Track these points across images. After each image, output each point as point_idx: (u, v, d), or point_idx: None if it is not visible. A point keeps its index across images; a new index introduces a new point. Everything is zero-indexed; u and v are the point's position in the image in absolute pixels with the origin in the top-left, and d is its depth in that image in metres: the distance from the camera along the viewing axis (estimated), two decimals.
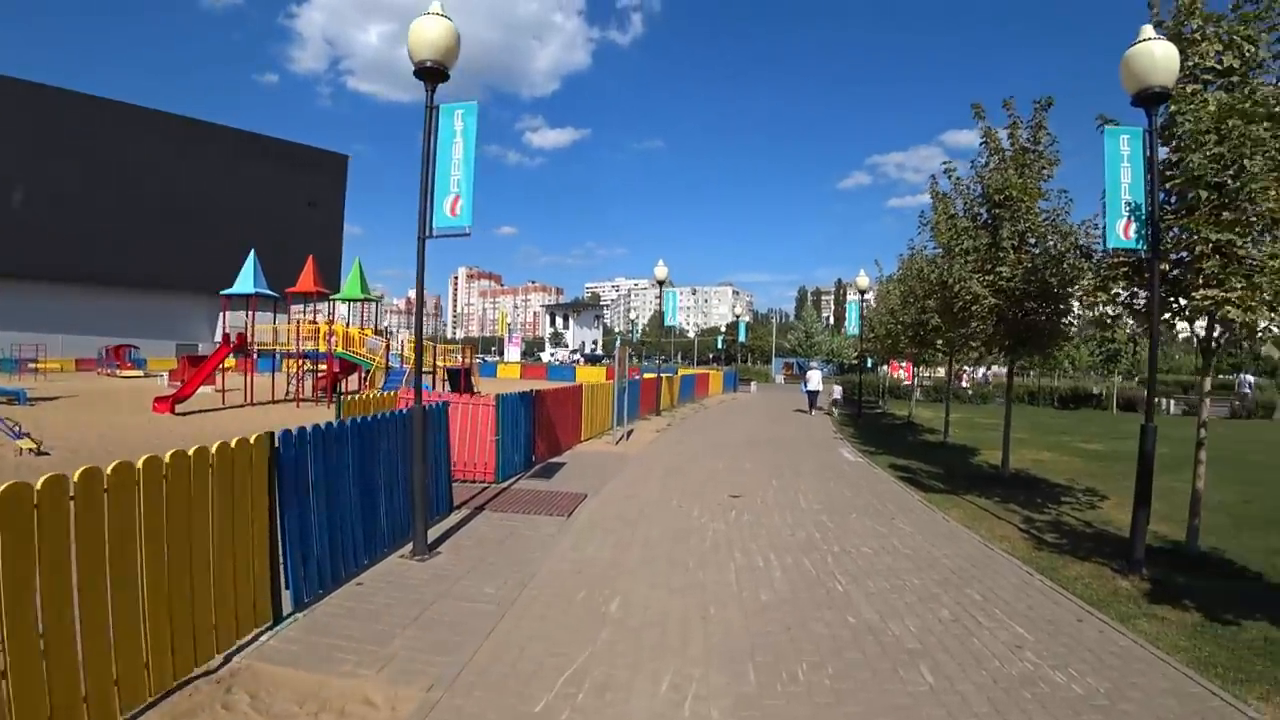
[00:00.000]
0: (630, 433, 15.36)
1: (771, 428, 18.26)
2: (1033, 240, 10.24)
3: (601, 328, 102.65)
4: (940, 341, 13.35)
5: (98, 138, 46.15)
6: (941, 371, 36.28)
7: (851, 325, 23.61)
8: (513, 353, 72.13)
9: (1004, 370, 24.74)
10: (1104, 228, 6.46)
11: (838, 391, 28.80)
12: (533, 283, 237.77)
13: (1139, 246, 6.17)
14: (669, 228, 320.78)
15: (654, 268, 19.76)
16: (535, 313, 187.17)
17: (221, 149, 55.11)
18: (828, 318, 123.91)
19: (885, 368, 50.10)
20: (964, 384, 33.99)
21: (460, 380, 28.85)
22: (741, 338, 45.73)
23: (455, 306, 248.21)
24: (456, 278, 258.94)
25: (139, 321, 48.00)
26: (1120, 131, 6.28)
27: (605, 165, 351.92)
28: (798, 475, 10.42)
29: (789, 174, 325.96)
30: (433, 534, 6.66)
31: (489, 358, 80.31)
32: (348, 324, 28.35)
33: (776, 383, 52.99)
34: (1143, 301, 7.38)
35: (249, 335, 24.99)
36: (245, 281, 25.84)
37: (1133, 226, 6.17)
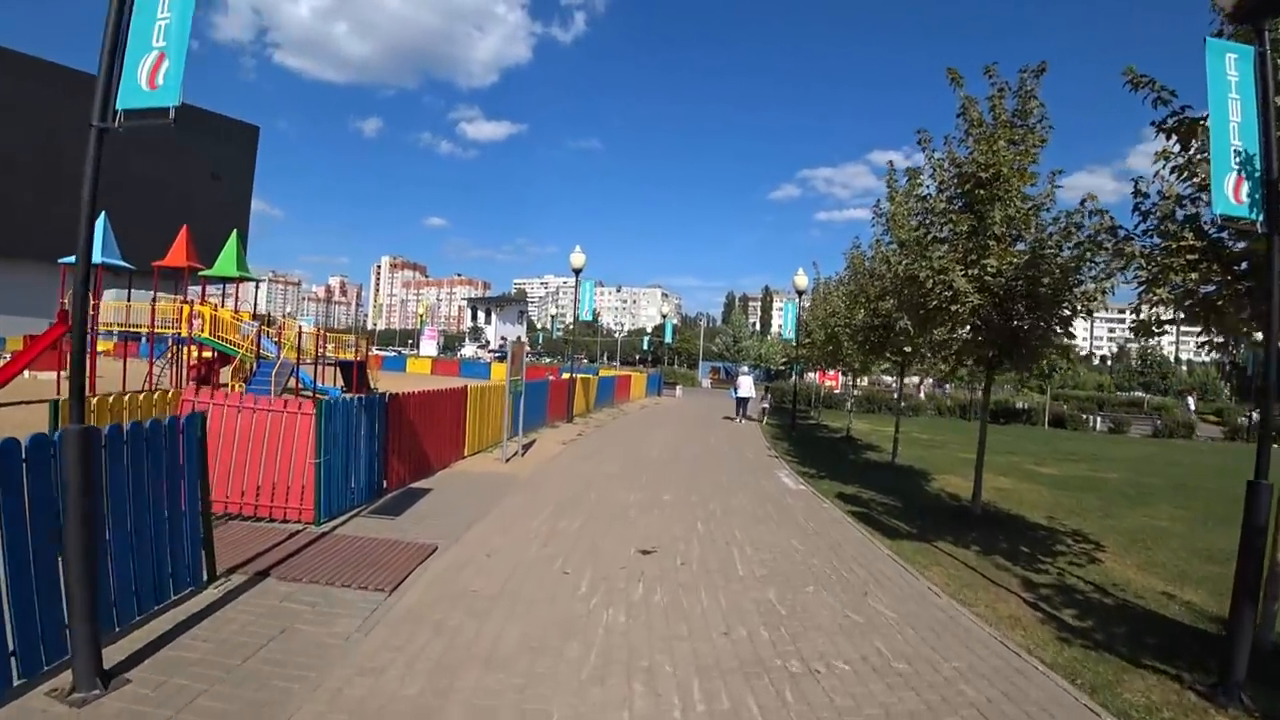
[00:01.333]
0: (530, 445, 12.81)
1: (698, 440, 16.07)
2: (1014, 232, 8.39)
3: (526, 323, 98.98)
4: (908, 348, 11.47)
5: None
6: (866, 381, 35.18)
7: (787, 329, 21.73)
8: (428, 346, 67.95)
9: (933, 382, 23.15)
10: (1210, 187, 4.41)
11: (767, 400, 27.12)
12: (458, 276, 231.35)
13: (1253, 216, 4.14)
14: (601, 227, 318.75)
15: (571, 254, 17.28)
16: (460, 306, 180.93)
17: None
18: (754, 324, 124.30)
19: (813, 375, 49.13)
20: (922, 395, 32.86)
21: (354, 376, 25.61)
22: (668, 338, 43.68)
23: (377, 296, 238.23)
24: (379, 267, 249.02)
25: (7, 294, 41.86)
26: (1226, 48, 4.24)
27: (541, 162, 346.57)
28: (730, 513, 8.13)
29: (721, 181, 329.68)
30: (154, 631, 4.06)
31: (405, 351, 75.68)
32: (221, 304, 24.66)
33: (703, 387, 51.29)
34: (1196, 300, 5.45)
35: (91, 312, 21.13)
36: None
37: (1244, 187, 4.14)
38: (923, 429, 23.58)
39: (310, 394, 21.51)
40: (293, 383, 23.20)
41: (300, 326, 32.10)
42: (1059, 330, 8.14)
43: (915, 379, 33.43)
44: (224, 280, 23.79)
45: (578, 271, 17.29)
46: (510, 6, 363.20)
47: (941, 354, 8.95)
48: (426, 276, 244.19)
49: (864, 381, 34.75)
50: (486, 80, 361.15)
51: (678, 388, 38.70)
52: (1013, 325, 8.22)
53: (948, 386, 35.95)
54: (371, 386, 26.10)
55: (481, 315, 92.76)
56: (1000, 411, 31.67)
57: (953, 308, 7.98)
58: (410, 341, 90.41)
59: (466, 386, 10.83)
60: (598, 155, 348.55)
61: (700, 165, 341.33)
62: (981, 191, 8.35)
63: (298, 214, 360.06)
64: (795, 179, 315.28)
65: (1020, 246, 8.50)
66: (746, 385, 23.65)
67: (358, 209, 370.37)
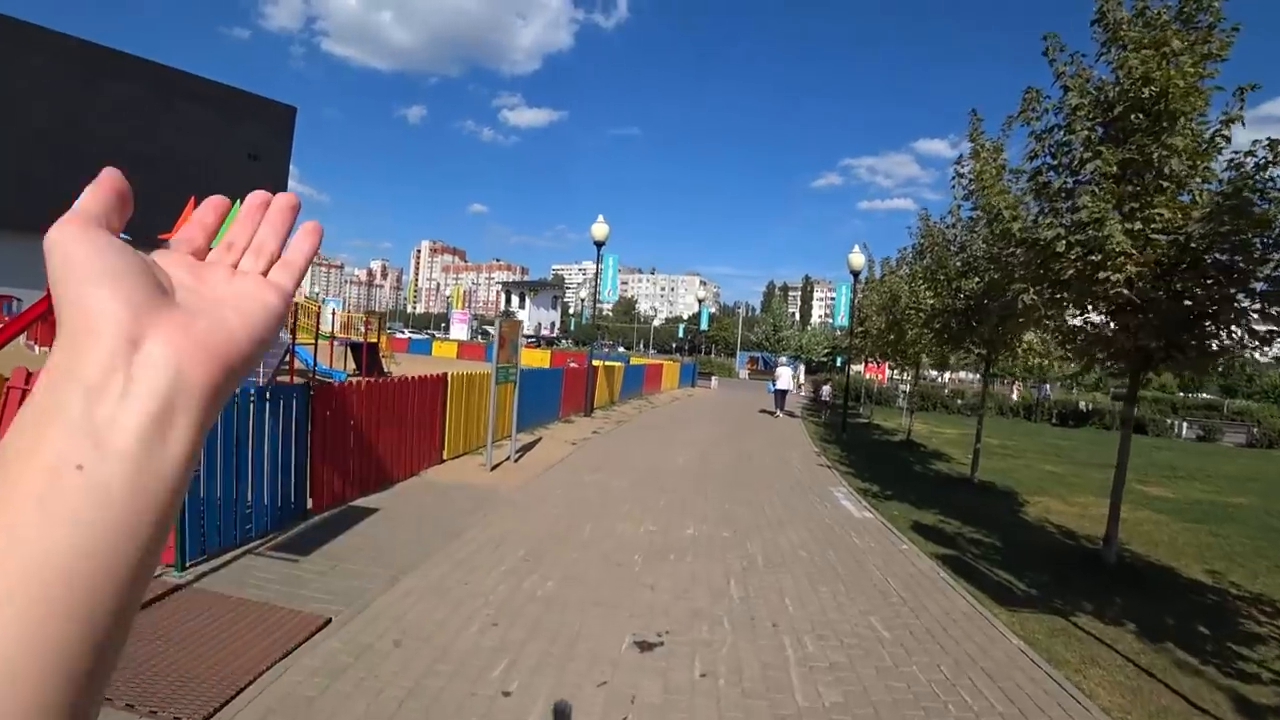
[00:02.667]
0: (533, 445, 10.73)
1: (734, 443, 13.80)
2: (1184, 171, 5.92)
3: (561, 309, 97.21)
4: (1028, 336, 9.03)
5: None
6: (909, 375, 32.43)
7: (839, 315, 19.22)
8: (459, 330, 66.61)
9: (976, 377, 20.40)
10: None
11: (826, 391, 24.82)
12: (497, 261, 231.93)
13: None
14: (640, 214, 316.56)
15: (593, 225, 15.10)
16: (498, 291, 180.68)
17: (141, 85, 48.00)
18: (793, 314, 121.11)
19: (858, 368, 46.30)
20: (1015, 396, 29.95)
21: (364, 358, 23.94)
22: (704, 325, 41.27)
23: (417, 280, 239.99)
24: (419, 251, 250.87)
25: (34, 271, 41.36)
26: None
27: (581, 149, 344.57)
28: (777, 562, 5.88)
29: (762, 170, 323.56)
30: None
31: (437, 334, 74.56)
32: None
33: (740, 378, 48.81)
34: None
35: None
36: None
37: None
38: (989, 433, 20.89)
39: (311, 377, 19.87)
40: (298, 365, 21.59)
41: (332, 307, 30.74)
42: (1259, 311, 5.67)
43: (962, 373, 30.44)
44: None
45: (600, 244, 15.13)
46: None
47: (1073, 345, 6.48)
48: (465, 261, 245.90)
49: (907, 375, 31.88)
50: (529, 68, 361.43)
51: (713, 378, 36.32)
52: (1184, 304, 5.80)
53: (1048, 386, 32.91)
54: (385, 370, 24.42)
55: (516, 300, 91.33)
56: (1068, 413, 28.66)
57: (1101, 275, 5.59)
58: (444, 325, 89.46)
59: (447, 374, 8.76)
60: (637, 142, 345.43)
61: (740, 153, 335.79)
62: (1138, 117, 5.92)
63: (343, 199, 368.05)
64: (837, 168, 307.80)
65: (1184, 198, 6.09)
66: (785, 378, 21.60)
67: (402, 195, 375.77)
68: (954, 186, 10.56)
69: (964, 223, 10.21)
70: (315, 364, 20.31)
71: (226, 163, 52.23)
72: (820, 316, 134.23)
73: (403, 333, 70.61)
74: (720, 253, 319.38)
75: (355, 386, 6.61)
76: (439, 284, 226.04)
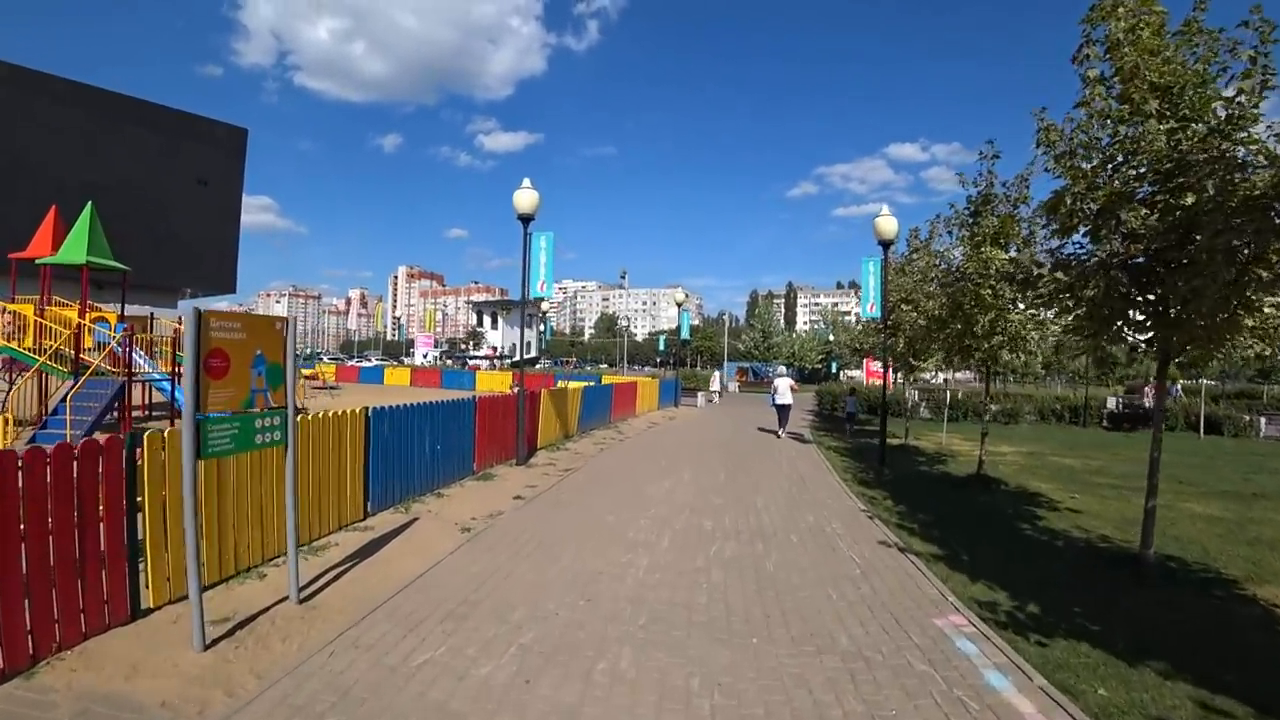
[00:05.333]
0: (390, 538, 6.11)
1: (733, 500, 9.23)
2: None
3: (537, 328, 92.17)
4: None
5: None
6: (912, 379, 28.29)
7: (866, 302, 14.72)
8: (420, 355, 61.57)
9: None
10: None
11: (851, 403, 20.52)
12: (475, 284, 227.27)
13: None
14: (619, 232, 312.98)
15: (516, 193, 10.60)
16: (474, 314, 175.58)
17: (82, 110, 42.79)
18: (778, 320, 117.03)
19: (856, 372, 42.16)
20: (1146, 401, 25.73)
21: None
22: (684, 334, 36.78)
23: (396, 308, 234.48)
24: (396, 277, 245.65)
25: None
26: None
27: (557, 170, 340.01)
28: None
29: (738, 182, 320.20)
30: None
31: (404, 360, 69.51)
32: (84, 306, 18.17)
33: (730, 392, 44.28)
34: None
35: None
36: None
37: None
38: (1053, 448, 16.46)
39: (171, 415, 15.18)
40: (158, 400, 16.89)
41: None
42: None
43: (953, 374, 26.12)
44: (70, 268, 17.26)
45: (526, 219, 10.61)
46: (524, 19, 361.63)
47: None
48: (444, 285, 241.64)
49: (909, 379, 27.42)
50: (502, 93, 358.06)
51: (699, 395, 31.62)
52: None
53: (1177, 387, 28.65)
54: (298, 405, 19.69)
55: (488, 320, 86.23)
56: (1120, 415, 24.38)
57: None
58: (409, 350, 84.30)
59: (138, 440, 4.16)
60: (613, 161, 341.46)
61: (716, 167, 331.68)
62: None
63: (322, 230, 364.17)
64: (811, 176, 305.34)
65: None
66: (785, 390, 17.61)
67: (380, 223, 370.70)
68: (1080, 64, 6.23)
69: (1112, 111, 5.80)
70: (175, 396, 15.58)
71: (175, 188, 47.11)
72: (805, 322, 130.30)
73: (368, 361, 65.71)
74: (702, 265, 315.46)
75: None
76: (419, 309, 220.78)
